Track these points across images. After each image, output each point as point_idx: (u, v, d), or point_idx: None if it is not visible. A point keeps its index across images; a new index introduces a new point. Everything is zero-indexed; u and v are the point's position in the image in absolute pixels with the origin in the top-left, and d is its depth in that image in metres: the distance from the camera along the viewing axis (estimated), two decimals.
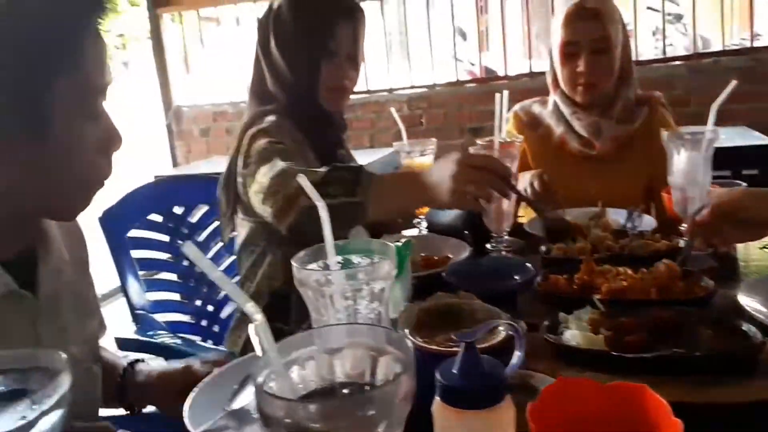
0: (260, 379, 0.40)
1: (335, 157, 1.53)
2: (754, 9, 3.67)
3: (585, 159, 1.73)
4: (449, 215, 1.56)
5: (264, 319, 0.44)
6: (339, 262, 0.67)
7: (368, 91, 4.39)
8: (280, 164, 1.22)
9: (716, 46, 3.89)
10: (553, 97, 1.78)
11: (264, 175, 1.23)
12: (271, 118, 1.41)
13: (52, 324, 0.84)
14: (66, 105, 0.74)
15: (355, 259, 0.68)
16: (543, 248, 1.27)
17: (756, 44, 3.72)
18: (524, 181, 1.58)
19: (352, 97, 1.59)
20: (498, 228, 1.35)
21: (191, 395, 0.78)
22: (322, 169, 1.16)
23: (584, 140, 1.72)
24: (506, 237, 1.38)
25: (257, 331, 0.43)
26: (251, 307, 0.44)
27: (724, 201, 1.00)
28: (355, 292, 0.60)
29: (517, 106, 1.88)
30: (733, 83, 1.30)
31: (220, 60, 4.71)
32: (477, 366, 0.58)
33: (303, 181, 0.74)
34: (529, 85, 3.96)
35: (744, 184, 1.31)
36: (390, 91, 4.37)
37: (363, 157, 3.51)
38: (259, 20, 1.48)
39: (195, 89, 4.83)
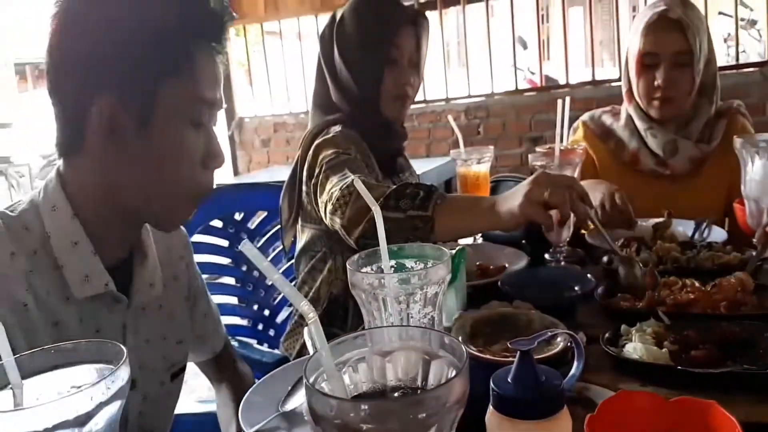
0: (312, 378, 0.41)
1: (395, 165, 1.54)
2: None
3: (658, 177, 1.63)
4: None
5: (317, 318, 0.44)
6: (392, 266, 0.67)
7: (425, 101, 4.40)
8: (350, 176, 1.24)
9: None
10: (627, 110, 1.68)
11: (335, 186, 1.24)
12: (336, 128, 1.43)
13: (137, 333, 0.88)
14: (172, 106, 0.78)
15: (408, 263, 0.68)
16: (605, 259, 1.23)
17: None
18: (596, 196, 1.46)
19: (410, 108, 1.60)
20: (557, 238, 1.32)
21: (246, 395, 0.80)
22: (393, 185, 1.17)
23: (659, 159, 1.61)
24: (565, 247, 1.35)
25: (310, 330, 0.43)
26: (305, 306, 0.44)
27: None
28: (408, 296, 0.60)
29: (586, 116, 1.79)
30: None
31: (281, 72, 4.84)
32: (533, 375, 0.57)
33: (358, 184, 0.75)
34: (591, 94, 3.87)
35: None
36: (447, 100, 4.37)
37: (420, 166, 3.52)
38: (322, 32, 1.51)
39: (257, 101, 4.99)
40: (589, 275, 1.13)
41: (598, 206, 1.44)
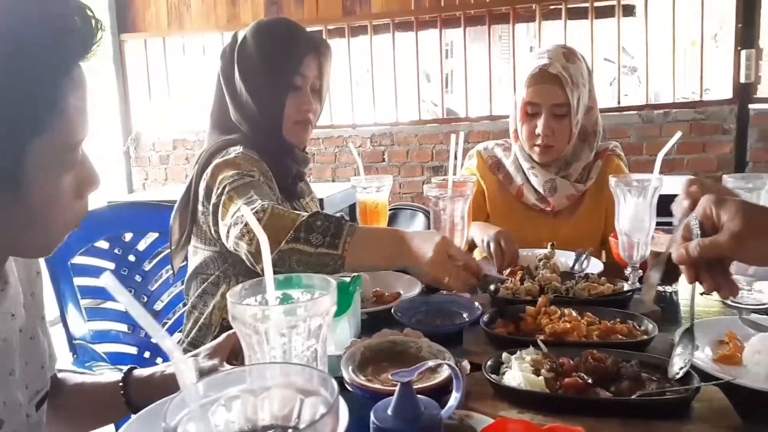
0: (174, 421, 0.39)
1: (296, 189, 1.52)
2: (704, 64, 3.87)
3: (541, 210, 1.76)
4: None
5: (183, 356, 0.42)
6: (278, 297, 0.66)
7: (332, 126, 4.42)
8: (257, 199, 1.21)
9: (667, 99, 4.07)
10: (514, 148, 1.80)
11: (241, 209, 1.19)
12: (237, 148, 1.40)
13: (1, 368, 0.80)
14: (43, 162, 0.70)
15: (294, 294, 0.67)
16: (492, 287, 1.28)
17: (705, 98, 3.91)
18: (484, 235, 1.55)
19: (316, 130, 1.60)
20: None
21: (125, 426, 0.75)
22: (304, 214, 1.15)
23: (540, 195, 1.75)
24: None
25: (177, 368, 0.41)
26: (170, 344, 0.42)
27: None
28: (290, 329, 0.59)
29: (480, 147, 1.90)
30: (678, 134, 1.36)
31: (182, 88, 4.68)
32: (412, 406, 0.58)
33: (246, 211, 0.73)
34: (488, 128, 4.08)
35: None
36: (353, 126, 4.41)
37: (325, 190, 3.52)
38: (223, 50, 1.48)
39: (156, 116, 4.78)
40: (476, 303, 1.17)
41: (484, 247, 1.53)
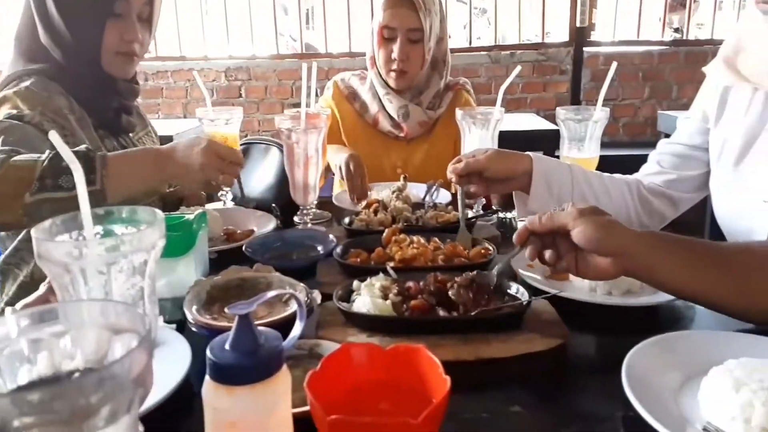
0: None
1: (119, 124, 1.37)
2: (545, 9, 4.09)
3: (396, 138, 1.82)
4: (257, 188, 1.51)
5: None
6: (98, 233, 0.59)
7: (182, 58, 4.10)
8: None
9: (513, 40, 4.28)
10: (370, 74, 1.82)
11: None
12: (29, 81, 1.21)
13: None
14: None
15: (117, 229, 0.61)
16: (346, 220, 1.28)
17: (546, 41, 4.16)
18: (336, 159, 1.59)
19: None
20: (304, 200, 1.33)
21: None
22: (43, 156, 1.01)
23: (394, 122, 1.80)
24: (313, 209, 1.37)
25: None
26: None
27: (472, 161, 1.16)
28: (110, 265, 0.53)
29: (338, 77, 1.91)
30: (518, 68, 1.43)
31: None
32: (251, 339, 0.55)
33: None
34: (349, 64, 4.02)
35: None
36: (206, 59, 4.13)
37: (174, 127, 3.29)
38: None
39: None
40: (331, 236, 1.17)
41: (337, 171, 1.56)
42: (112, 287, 0.54)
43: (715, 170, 1.15)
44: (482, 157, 1.15)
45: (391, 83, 1.77)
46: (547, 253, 0.82)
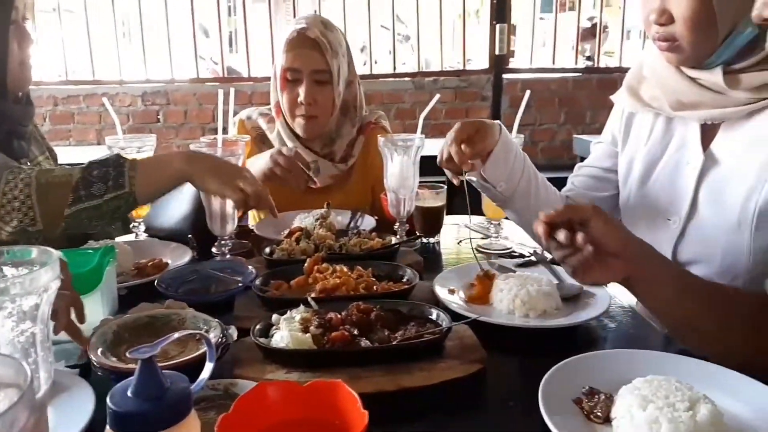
0: None
1: (10, 150, 1.26)
2: (466, 36, 4.24)
3: (309, 189, 1.66)
4: (172, 218, 1.45)
5: None
6: None
7: (96, 81, 3.93)
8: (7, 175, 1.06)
9: (436, 67, 4.40)
10: (277, 124, 1.71)
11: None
12: None
13: None
14: None
15: (8, 270, 0.56)
16: (267, 250, 1.25)
17: (468, 67, 4.30)
18: (261, 164, 1.50)
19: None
20: (222, 230, 1.29)
21: None
22: (75, 170, 1.09)
23: (305, 175, 1.63)
24: (232, 240, 1.33)
25: None
26: None
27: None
28: None
29: (243, 114, 1.78)
30: (437, 96, 1.46)
31: None
32: (154, 384, 0.52)
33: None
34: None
35: (445, 187, 1.47)
36: (121, 83, 3.98)
37: (87, 155, 3.12)
38: None
39: None
40: (250, 267, 1.14)
41: (266, 169, 1.49)
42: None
43: (623, 191, 1.22)
44: (474, 131, 1.15)
45: (300, 131, 1.65)
46: (561, 234, 0.82)
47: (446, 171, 1.20)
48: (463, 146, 1.13)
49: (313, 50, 1.58)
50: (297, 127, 1.65)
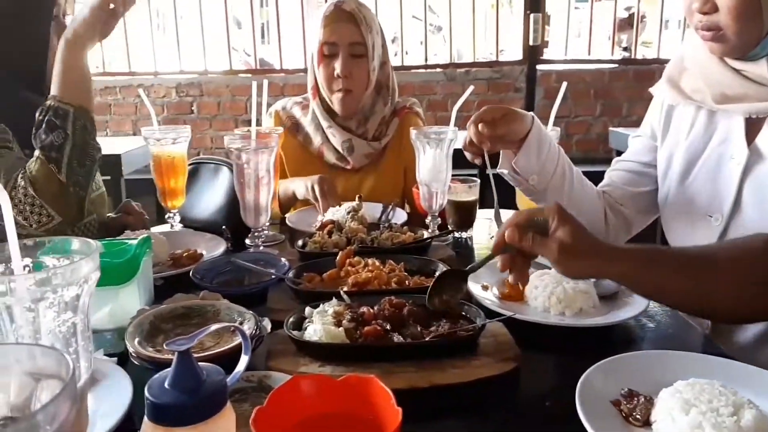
0: None
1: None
2: (499, 27, 4.18)
3: (341, 170, 1.73)
4: (207, 210, 1.46)
5: None
6: (27, 266, 0.55)
7: (131, 73, 4.00)
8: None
9: (469, 58, 4.34)
10: (312, 105, 1.74)
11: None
12: None
13: None
14: None
15: (49, 261, 0.57)
16: (299, 243, 1.25)
17: (501, 58, 4.24)
18: (307, 180, 1.55)
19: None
20: (255, 222, 1.30)
21: None
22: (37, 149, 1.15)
23: (340, 155, 1.71)
24: (265, 231, 1.34)
25: None
26: None
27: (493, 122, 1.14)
28: (37, 302, 0.50)
29: (278, 105, 1.81)
30: (471, 88, 1.43)
31: None
32: (191, 376, 0.52)
33: None
34: (305, 80, 3.97)
35: (478, 180, 1.45)
36: (156, 74, 4.04)
37: (123, 145, 3.19)
38: None
39: None
40: (284, 259, 1.14)
41: (309, 192, 1.54)
42: (40, 325, 0.51)
43: (662, 187, 1.18)
44: (499, 115, 1.14)
45: (336, 106, 1.67)
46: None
47: (466, 154, 1.19)
48: (480, 125, 1.11)
49: (350, 23, 1.62)
50: (334, 101, 1.68)
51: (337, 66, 1.62)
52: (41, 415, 0.32)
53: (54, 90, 1.18)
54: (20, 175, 1.15)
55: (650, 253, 0.85)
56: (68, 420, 0.34)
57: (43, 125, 1.16)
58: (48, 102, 1.17)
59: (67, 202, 1.17)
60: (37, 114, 1.17)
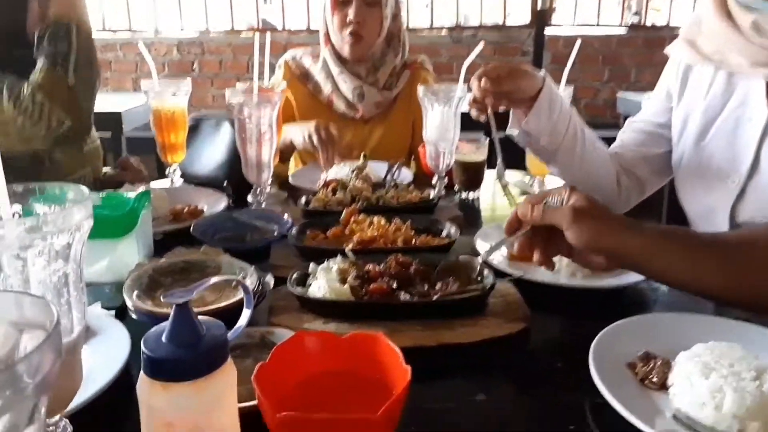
0: None
1: None
2: None
3: (351, 119, 1.73)
4: (208, 165, 1.43)
5: None
6: (17, 213, 0.52)
7: (131, 30, 3.91)
8: None
9: (475, 21, 4.23)
10: (324, 53, 1.72)
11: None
12: None
13: None
14: None
15: (40, 208, 0.54)
16: (302, 200, 1.22)
17: (508, 22, 4.13)
18: (304, 127, 1.52)
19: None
20: (257, 179, 1.26)
21: None
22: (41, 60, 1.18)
23: (349, 103, 1.71)
24: (267, 189, 1.31)
25: None
26: None
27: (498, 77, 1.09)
28: (25, 249, 0.46)
29: (288, 55, 1.80)
30: (481, 44, 1.38)
31: None
32: (190, 330, 0.49)
33: None
34: (308, 40, 3.91)
35: (486, 139, 1.41)
36: (156, 33, 3.95)
37: (124, 102, 3.12)
38: None
39: None
40: (286, 216, 1.11)
41: (307, 141, 1.50)
42: (29, 274, 0.48)
43: (677, 148, 1.15)
44: (505, 72, 1.09)
45: (347, 51, 1.66)
46: (535, 256, 0.80)
47: (471, 112, 1.14)
48: (483, 80, 1.07)
49: None
50: (344, 46, 1.67)
51: (350, 13, 1.61)
52: (22, 366, 0.29)
53: (53, 9, 1.19)
54: (24, 86, 1.16)
55: (676, 229, 0.77)
56: (52, 372, 0.31)
57: (45, 39, 1.18)
58: (49, 20, 1.19)
59: (77, 106, 1.20)
60: (36, 32, 1.19)
